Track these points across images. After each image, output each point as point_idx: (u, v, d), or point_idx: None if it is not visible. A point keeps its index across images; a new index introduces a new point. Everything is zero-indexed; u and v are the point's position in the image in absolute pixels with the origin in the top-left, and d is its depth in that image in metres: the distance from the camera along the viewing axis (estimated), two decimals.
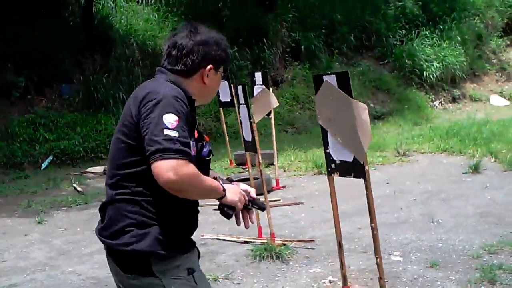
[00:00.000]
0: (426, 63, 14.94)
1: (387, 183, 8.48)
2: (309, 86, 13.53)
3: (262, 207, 2.52)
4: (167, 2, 14.10)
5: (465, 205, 6.92)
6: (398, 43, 15.45)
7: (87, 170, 10.00)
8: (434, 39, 15.49)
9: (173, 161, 2.07)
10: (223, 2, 14.36)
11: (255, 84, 8.46)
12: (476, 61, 16.02)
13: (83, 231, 6.88)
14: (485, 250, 5.30)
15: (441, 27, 15.92)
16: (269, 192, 8.42)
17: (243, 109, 6.19)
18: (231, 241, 6.21)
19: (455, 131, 11.27)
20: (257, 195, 2.54)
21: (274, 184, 8.63)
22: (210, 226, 6.60)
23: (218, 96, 9.77)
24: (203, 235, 6.27)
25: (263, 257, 5.53)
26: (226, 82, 9.32)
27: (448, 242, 5.64)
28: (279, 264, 5.43)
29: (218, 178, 2.45)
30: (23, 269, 5.74)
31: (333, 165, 4.04)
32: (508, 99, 15.10)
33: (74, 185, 9.03)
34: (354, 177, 3.88)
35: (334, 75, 3.77)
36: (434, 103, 14.85)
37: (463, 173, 8.60)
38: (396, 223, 6.46)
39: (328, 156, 4.07)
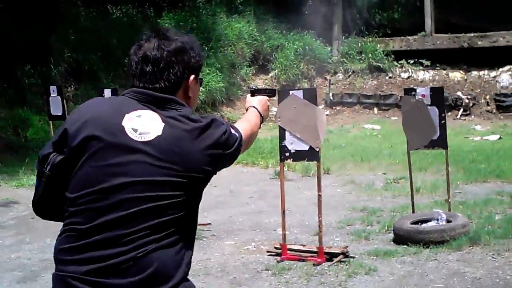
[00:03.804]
0: None
1: (215, 186, 10.58)
2: None
3: (273, 92, 3.13)
4: None
5: (295, 199, 9.26)
6: None
7: None
8: None
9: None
10: (5, 20, 15.17)
11: (50, 96, 11.03)
12: (231, 87, 18.99)
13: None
14: (342, 224, 7.69)
15: None
16: None
17: None
18: None
19: None
20: None
21: None
22: None
23: (49, 110, 11.05)
24: None
25: None
26: (58, 96, 10.84)
27: (311, 221, 7.96)
28: (196, 241, 7.18)
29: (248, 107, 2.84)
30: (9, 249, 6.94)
31: (287, 154, 6.13)
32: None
33: None
34: (308, 160, 6.10)
35: (302, 90, 5.92)
36: None
37: (270, 178, 11.12)
38: (255, 212, 8.60)
39: (282, 147, 6.15)
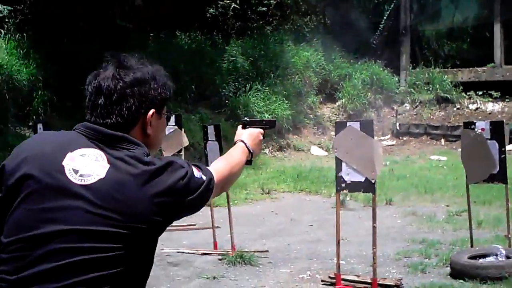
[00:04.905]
0: (259, 114, 17.64)
1: (276, 214, 10.77)
2: None
3: (271, 123, 2.83)
4: (28, 37, 15.11)
5: (354, 229, 9.32)
6: (231, 95, 17.99)
7: None
8: (265, 93, 18.28)
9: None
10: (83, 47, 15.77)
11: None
12: (297, 115, 19.14)
13: None
14: (399, 255, 7.70)
15: (268, 82, 18.81)
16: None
17: (213, 145, 8.08)
18: (191, 253, 7.99)
19: (304, 175, 14.01)
20: None
21: None
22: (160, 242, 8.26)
23: None
24: (162, 249, 7.95)
25: (235, 263, 7.44)
26: None
27: (369, 252, 7.98)
28: (252, 267, 7.32)
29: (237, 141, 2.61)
30: None
31: (343, 185, 6.23)
32: (326, 150, 18.34)
33: None
34: (363, 192, 6.17)
35: (358, 122, 6.02)
36: (265, 150, 17.52)
37: (332, 207, 11.16)
38: (313, 241, 8.71)
39: (339, 178, 6.25)
